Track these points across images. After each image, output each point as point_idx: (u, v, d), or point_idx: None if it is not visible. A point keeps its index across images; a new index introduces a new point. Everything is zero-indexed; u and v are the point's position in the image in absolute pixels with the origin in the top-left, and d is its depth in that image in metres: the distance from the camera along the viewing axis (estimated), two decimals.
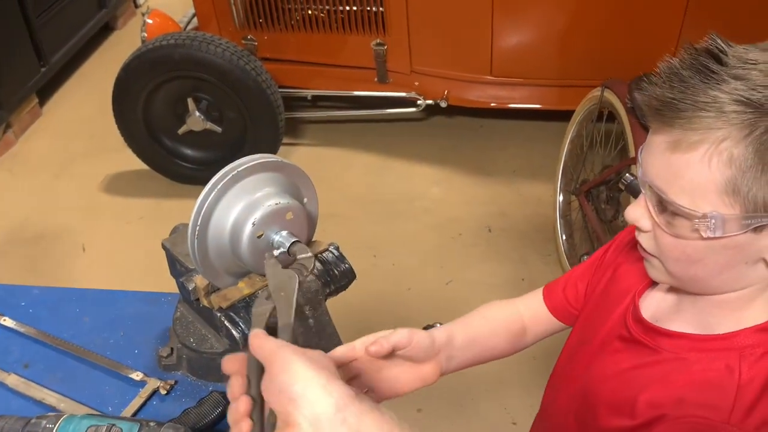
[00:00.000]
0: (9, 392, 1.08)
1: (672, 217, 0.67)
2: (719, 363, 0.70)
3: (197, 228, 0.83)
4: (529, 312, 1.01)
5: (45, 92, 3.57)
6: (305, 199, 0.94)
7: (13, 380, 1.09)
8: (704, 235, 0.65)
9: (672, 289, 0.79)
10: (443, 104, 2.85)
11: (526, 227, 2.69)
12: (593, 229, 2.27)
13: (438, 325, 1.02)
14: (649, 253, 0.73)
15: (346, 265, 0.96)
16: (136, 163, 2.93)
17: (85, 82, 3.78)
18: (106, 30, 4.13)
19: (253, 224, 0.84)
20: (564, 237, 2.48)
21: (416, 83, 2.88)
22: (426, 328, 1.01)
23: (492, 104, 2.85)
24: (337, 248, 0.97)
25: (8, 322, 1.19)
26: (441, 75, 2.84)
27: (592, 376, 0.83)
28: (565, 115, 2.59)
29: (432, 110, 3.10)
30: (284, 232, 0.87)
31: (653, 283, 0.82)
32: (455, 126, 3.25)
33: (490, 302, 1.04)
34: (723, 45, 0.63)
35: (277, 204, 0.86)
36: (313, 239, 0.98)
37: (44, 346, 1.16)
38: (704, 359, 0.71)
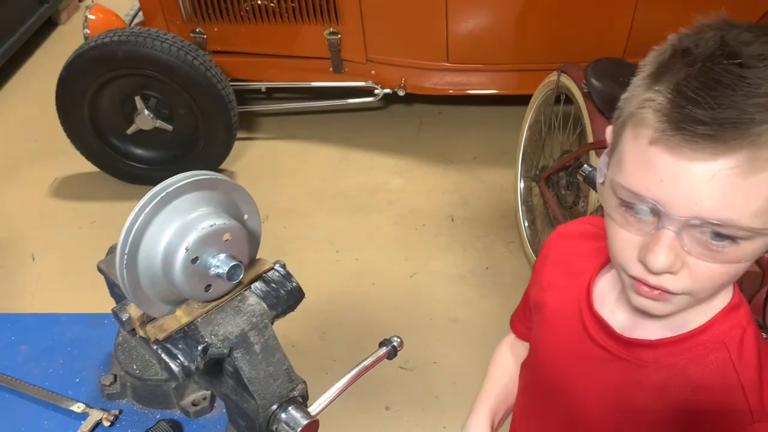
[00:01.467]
0: None
1: (729, 244, 0.60)
2: (709, 359, 0.69)
3: (125, 257, 0.77)
4: (519, 354, 1.01)
5: None
6: (245, 216, 0.88)
7: None
8: None
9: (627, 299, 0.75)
10: (401, 92, 2.80)
11: (488, 215, 2.66)
12: (554, 216, 2.26)
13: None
14: (676, 293, 0.64)
15: (294, 284, 0.91)
16: (86, 166, 2.82)
17: (28, 81, 3.63)
18: (48, 25, 3.96)
19: (187, 249, 0.78)
20: (526, 224, 2.46)
21: (373, 72, 2.82)
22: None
23: (450, 91, 2.81)
24: (284, 266, 0.92)
25: None
26: (397, 63, 2.78)
27: (572, 398, 0.80)
28: (523, 100, 2.56)
29: (390, 99, 3.04)
30: (222, 255, 0.81)
31: (595, 289, 0.80)
32: (414, 114, 3.20)
33: (500, 354, 1.05)
34: (734, 44, 0.57)
35: (212, 225, 0.80)
36: (257, 257, 0.92)
37: None
38: (692, 359, 0.69)
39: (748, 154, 0.56)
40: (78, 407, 1.03)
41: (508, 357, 1.03)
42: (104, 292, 2.10)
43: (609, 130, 0.73)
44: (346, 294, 2.42)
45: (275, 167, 2.95)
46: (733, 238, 0.59)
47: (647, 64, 0.66)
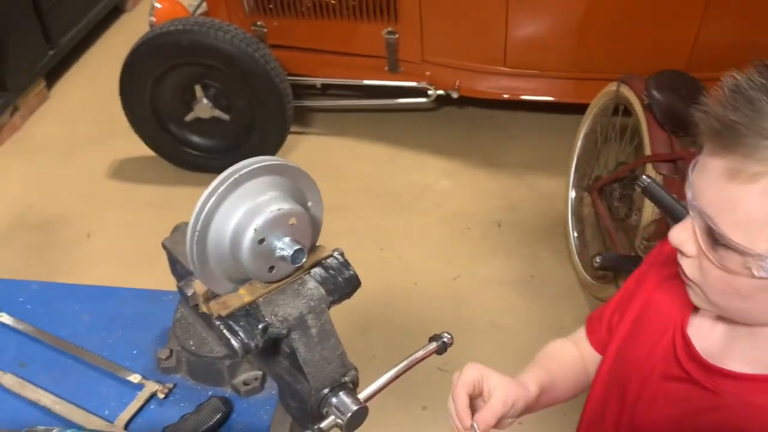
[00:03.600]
0: (4, 392, 1.05)
1: (722, 248, 0.62)
2: None
3: (196, 234, 0.79)
4: (585, 354, 0.97)
5: (53, 75, 3.54)
6: (309, 203, 0.90)
7: (8, 380, 1.06)
8: (757, 274, 0.61)
9: (720, 318, 0.74)
10: (454, 95, 2.80)
11: (537, 223, 2.64)
12: (605, 227, 2.23)
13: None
14: (691, 280, 0.69)
15: (351, 272, 0.92)
16: (143, 150, 2.90)
17: (93, 65, 3.75)
18: (115, 12, 4.09)
19: (255, 230, 0.80)
20: (575, 234, 2.43)
21: (427, 73, 2.83)
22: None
23: (504, 95, 2.80)
24: (342, 254, 0.94)
25: (5, 319, 1.17)
26: (453, 65, 2.78)
27: (639, 423, 0.78)
28: (579, 109, 2.53)
29: (443, 101, 3.04)
30: (287, 239, 0.83)
31: (695, 309, 0.77)
32: (466, 117, 3.20)
33: (556, 342, 1.00)
34: None
35: (279, 209, 0.82)
36: (317, 243, 0.94)
37: (41, 345, 1.13)
38: None
39: (737, 161, 0.59)
40: (135, 378, 1.07)
41: (570, 347, 0.98)
42: (156, 272, 2.15)
43: None
44: (388, 292, 2.44)
45: (325, 162, 2.99)
46: (724, 245, 0.62)
47: None
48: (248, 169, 0.81)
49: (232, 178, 0.80)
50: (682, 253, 0.68)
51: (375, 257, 2.56)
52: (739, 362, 0.71)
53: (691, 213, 0.66)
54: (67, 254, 2.58)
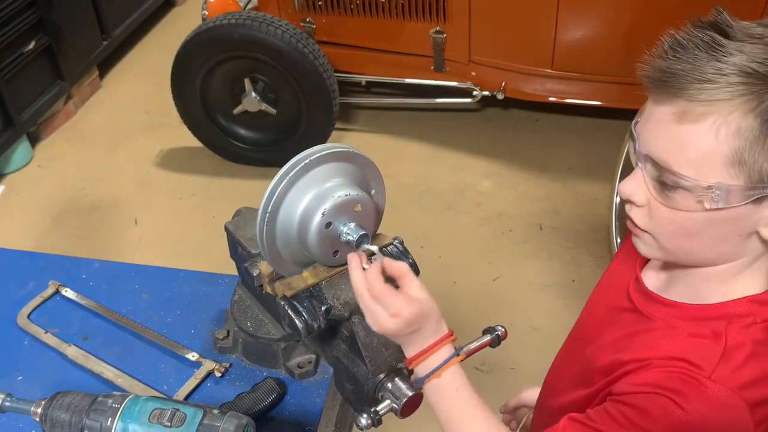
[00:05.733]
0: (68, 363, 1.10)
1: (672, 190, 0.68)
2: (706, 329, 0.71)
3: (267, 215, 0.82)
4: None
5: (105, 65, 3.63)
6: (373, 191, 0.93)
7: (72, 352, 1.11)
8: (707, 206, 0.65)
9: (664, 267, 0.80)
10: (500, 96, 2.80)
11: (579, 227, 2.63)
12: None
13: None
14: (642, 229, 0.73)
15: (410, 260, 0.94)
16: (191, 140, 2.96)
17: (143, 56, 3.83)
18: (166, 5, 4.17)
19: (323, 214, 0.83)
20: (618, 240, 2.41)
21: (473, 73, 2.83)
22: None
23: (551, 98, 2.79)
24: (402, 242, 0.96)
25: (69, 294, 1.21)
26: (499, 66, 2.78)
27: (592, 351, 0.83)
28: (625, 114, 2.51)
29: (487, 102, 3.04)
30: (352, 224, 0.85)
31: (646, 262, 0.83)
32: (510, 119, 3.19)
33: None
34: (729, 19, 0.65)
35: (347, 195, 0.84)
36: (377, 232, 0.96)
37: (103, 320, 1.17)
38: (693, 326, 0.72)
39: (683, 105, 0.64)
40: (192, 356, 1.10)
41: None
42: (200, 258, 2.18)
43: None
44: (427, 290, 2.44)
45: None
46: (675, 185, 0.67)
47: None
48: (318, 154, 0.84)
49: (303, 163, 0.82)
50: (633, 203, 0.73)
51: (415, 255, 2.51)
52: (674, 294, 0.78)
53: (639, 163, 0.70)
54: (115, 238, 2.65)
